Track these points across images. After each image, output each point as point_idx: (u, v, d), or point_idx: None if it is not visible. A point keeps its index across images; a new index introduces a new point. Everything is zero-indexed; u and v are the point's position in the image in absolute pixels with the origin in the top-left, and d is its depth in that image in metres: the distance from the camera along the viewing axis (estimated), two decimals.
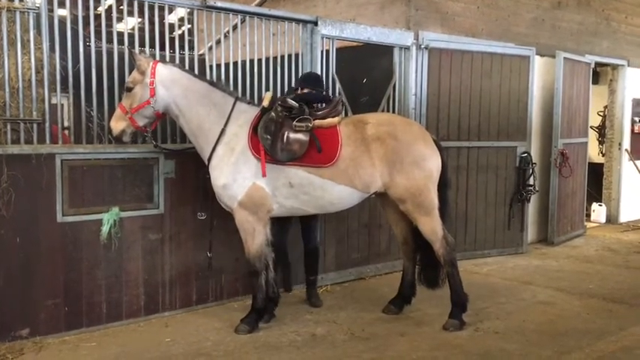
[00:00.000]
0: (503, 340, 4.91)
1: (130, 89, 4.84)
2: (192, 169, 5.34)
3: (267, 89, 5.87)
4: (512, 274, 6.99)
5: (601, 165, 10.62)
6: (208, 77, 5.49)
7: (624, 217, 10.59)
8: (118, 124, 4.86)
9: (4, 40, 4.61)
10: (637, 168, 10.67)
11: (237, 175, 4.84)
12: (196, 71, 5.42)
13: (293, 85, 5.95)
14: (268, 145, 4.81)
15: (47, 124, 4.83)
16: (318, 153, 4.88)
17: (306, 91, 5.46)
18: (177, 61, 5.36)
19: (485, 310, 5.57)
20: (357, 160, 4.96)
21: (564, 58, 8.40)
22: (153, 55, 5.22)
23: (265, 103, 4.99)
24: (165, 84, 4.85)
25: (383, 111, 6.78)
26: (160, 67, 4.85)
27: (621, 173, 10.49)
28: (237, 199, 4.88)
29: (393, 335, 5.00)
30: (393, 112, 6.83)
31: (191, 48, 5.92)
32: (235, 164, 4.85)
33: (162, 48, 5.35)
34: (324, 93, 5.64)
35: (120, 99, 5.03)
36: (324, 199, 5.00)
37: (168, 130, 5.46)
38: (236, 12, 5.74)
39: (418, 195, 5.02)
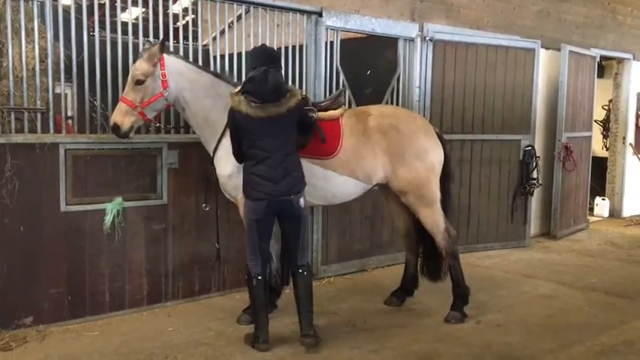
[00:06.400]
0: (504, 332, 4.92)
1: (141, 82, 4.63)
2: (196, 160, 5.34)
3: None
4: (515, 268, 6.99)
5: (605, 159, 10.60)
6: (212, 68, 5.48)
7: (627, 211, 10.57)
8: (126, 119, 4.63)
9: (9, 29, 4.60)
10: None
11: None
12: (200, 62, 5.42)
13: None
14: None
15: (51, 114, 4.83)
16: (322, 144, 4.87)
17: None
18: (181, 51, 5.34)
19: (487, 303, 5.58)
20: (358, 151, 4.95)
21: (569, 51, 8.36)
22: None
23: None
24: (173, 75, 4.74)
25: (387, 103, 6.76)
26: (166, 57, 4.74)
27: (625, 167, 10.47)
28: (241, 189, 4.87)
29: (394, 327, 5.01)
30: (397, 104, 6.81)
31: (195, 38, 5.88)
32: None
33: (167, 38, 5.33)
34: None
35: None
36: (326, 189, 5.00)
37: (172, 116, 5.47)
38: (240, 2, 5.71)
39: (420, 187, 5.03)
